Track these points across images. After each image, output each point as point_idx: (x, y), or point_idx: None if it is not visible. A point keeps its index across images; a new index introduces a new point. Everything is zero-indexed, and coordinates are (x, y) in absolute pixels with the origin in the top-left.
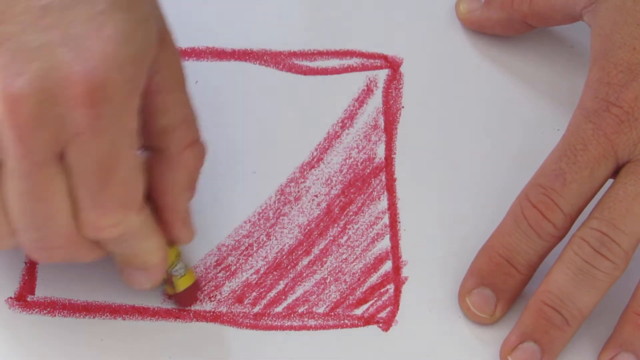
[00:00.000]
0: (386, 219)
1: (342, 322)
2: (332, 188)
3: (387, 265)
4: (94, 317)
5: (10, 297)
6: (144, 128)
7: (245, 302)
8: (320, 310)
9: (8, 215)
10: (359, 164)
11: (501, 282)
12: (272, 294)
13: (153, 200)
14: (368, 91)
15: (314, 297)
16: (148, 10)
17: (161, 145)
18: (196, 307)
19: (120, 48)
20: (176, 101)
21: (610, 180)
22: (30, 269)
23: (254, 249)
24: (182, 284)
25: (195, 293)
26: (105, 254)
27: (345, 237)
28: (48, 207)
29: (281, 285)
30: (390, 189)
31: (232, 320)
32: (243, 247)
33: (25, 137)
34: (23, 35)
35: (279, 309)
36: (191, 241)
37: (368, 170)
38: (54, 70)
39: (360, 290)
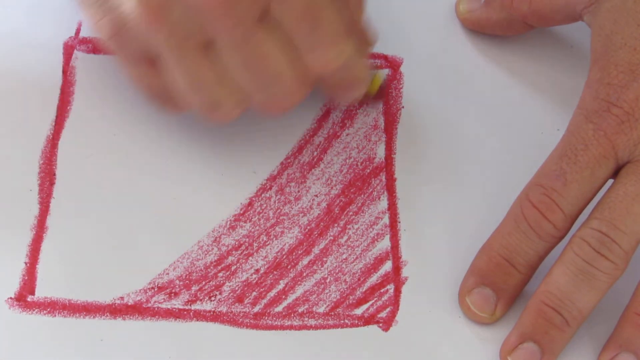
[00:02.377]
0: (386, 219)
1: (342, 322)
2: (332, 188)
3: (387, 265)
4: (94, 317)
5: (10, 297)
6: None
7: (245, 302)
8: (321, 310)
9: (233, 86)
10: (359, 164)
11: (501, 282)
12: (272, 293)
13: None
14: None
15: (314, 296)
16: None
17: None
18: (196, 306)
19: None
20: None
21: (611, 181)
22: (30, 269)
23: (254, 248)
24: (376, 82)
25: (384, 87)
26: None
27: (345, 237)
28: (273, 64)
29: (281, 285)
30: (390, 189)
31: (232, 320)
32: (243, 247)
33: (231, 9)
34: None
35: (279, 308)
36: (377, 40)
37: (368, 170)
38: None
39: (361, 290)
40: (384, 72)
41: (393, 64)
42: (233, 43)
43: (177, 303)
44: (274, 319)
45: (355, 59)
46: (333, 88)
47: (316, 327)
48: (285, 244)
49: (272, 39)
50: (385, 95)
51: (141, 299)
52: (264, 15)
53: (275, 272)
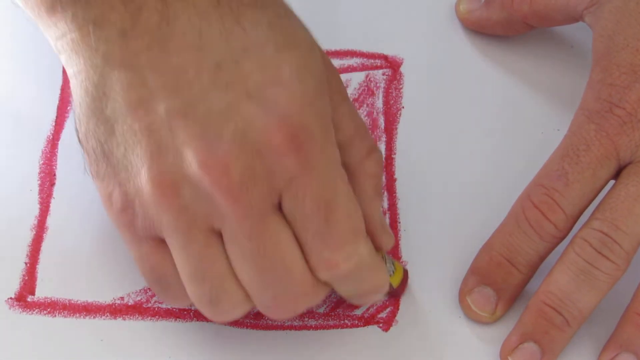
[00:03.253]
0: (386, 219)
1: (342, 322)
2: None
3: None
4: (94, 317)
5: (10, 298)
6: None
7: None
8: (321, 310)
9: (239, 281)
10: None
11: (502, 281)
12: None
13: None
14: (368, 91)
15: None
16: (309, 39)
17: (342, 160)
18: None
19: (303, 87)
20: (345, 114)
21: (611, 183)
22: (30, 269)
23: None
24: (396, 279)
25: (406, 281)
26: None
27: None
28: (282, 259)
29: None
30: (390, 189)
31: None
32: None
33: (242, 198)
34: (205, 100)
35: None
36: (393, 245)
37: None
38: (250, 127)
39: None
40: (401, 265)
41: (393, 64)
42: (241, 233)
43: None
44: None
45: (372, 265)
46: (349, 294)
47: (316, 327)
48: None
49: (284, 233)
50: (405, 288)
51: (141, 299)
52: (276, 207)
53: None
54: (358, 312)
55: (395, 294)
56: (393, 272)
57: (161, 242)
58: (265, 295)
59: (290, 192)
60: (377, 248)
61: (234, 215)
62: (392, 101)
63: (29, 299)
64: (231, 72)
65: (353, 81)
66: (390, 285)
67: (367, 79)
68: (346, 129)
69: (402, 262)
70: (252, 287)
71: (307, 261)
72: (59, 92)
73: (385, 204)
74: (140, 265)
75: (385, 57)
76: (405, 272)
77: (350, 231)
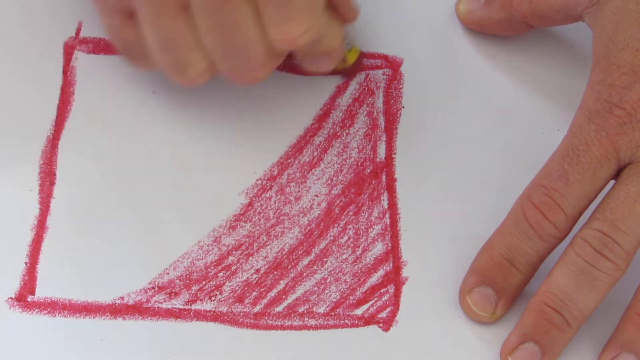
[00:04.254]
0: (386, 219)
1: (342, 322)
2: (332, 188)
3: (387, 266)
4: (94, 317)
5: (11, 297)
6: None
7: (246, 302)
8: (321, 310)
9: (204, 50)
10: (359, 164)
11: (502, 281)
12: (273, 293)
13: None
14: (368, 91)
15: (314, 297)
16: None
17: None
18: (196, 306)
19: None
20: None
21: (611, 183)
22: (31, 269)
23: (255, 248)
24: (352, 56)
25: (361, 61)
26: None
27: (345, 237)
28: (242, 32)
29: (281, 285)
30: (390, 189)
31: (232, 320)
32: (243, 247)
33: None
34: None
35: (279, 308)
36: (356, 18)
37: (368, 170)
38: None
39: (361, 290)
40: (359, 46)
41: (393, 64)
42: (208, 6)
43: (177, 303)
44: (274, 319)
45: (329, 31)
46: (303, 57)
47: (316, 327)
48: (285, 244)
49: (246, 8)
50: (357, 70)
51: (141, 299)
52: None
53: (275, 272)
54: (358, 311)
55: (348, 73)
56: (350, 48)
57: (131, 14)
58: (228, 64)
59: None
60: (342, 20)
61: None
62: (392, 101)
63: (29, 299)
64: None
65: (353, 81)
66: (345, 62)
67: (367, 79)
68: None
69: (402, 262)
70: (216, 56)
71: (267, 33)
72: (59, 92)
73: (385, 204)
74: (112, 35)
75: (385, 57)
76: (361, 54)
77: (309, 5)
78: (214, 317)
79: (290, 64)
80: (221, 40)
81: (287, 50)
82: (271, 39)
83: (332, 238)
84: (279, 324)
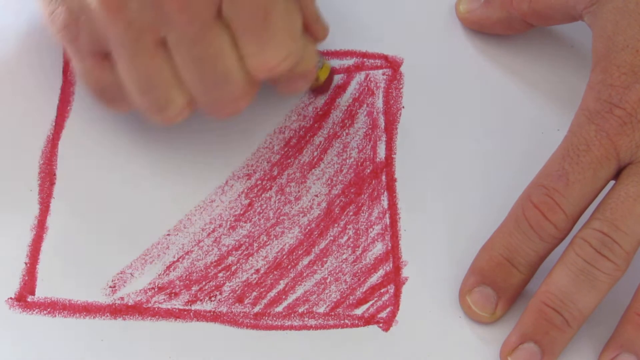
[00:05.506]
0: (386, 219)
1: (342, 322)
2: (332, 188)
3: (387, 266)
4: (94, 317)
5: (11, 298)
6: None
7: (246, 302)
8: (321, 310)
9: (183, 86)
10: (359, 164)
11: (502, 281)
12: (273, 293)
13: None
14: (368, 91)
15: (314, 297)
16: None
17: None
18: (196, 307)
19: None
20: None
21: (611, 183)
22: (31, 269)
23: (254, 248)
24: (323, 74)
25: (332, 78)
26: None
27: (345, 237)
28: (222, 64)
29: (281, 285)
30: (390, 189)
31: (232, 320)
32: (243, 247)
33: (187, 5)
34: None
35: (279, 308)
36: (327, 36)
37: (368, 170)
38: None
39: (361, 290)
40: (331, 63)
41: (393, 64)
42: (186, 39)
43: (177, 303)
44: (274, 319)
45: (305, 53)
46: (278, 81)
47: (316, 327)
48: (285, 244)
49: (224, 39)
50: (330, 87)
51: (141, 299)
52: (218, 14)
53: (275, 272)
54: (358, 311)
55: (320, 91)
56: (322, 65)
57: (105, 56)
58: (209, 97)
59: None
60: (313, 38)
61: (179, 21)
62: (392, 101)
63: (29, 299)
64: None
65: (353, 81)
66: (317, 80)
67: (367, 79)
68: None
69: (402, 262)
70: (196, 90)
71: (245, 63)
72: (59, 92)
73: (385, 204)
74: (85, 78)
75: (385, 57)
76: (333, 70)
77: (287, 31)
78: (214, 317)
79: None
80: (200, 73)
81: (267, 78)
82: (250, 69)
83: (332, 238)
84: (279, 324)
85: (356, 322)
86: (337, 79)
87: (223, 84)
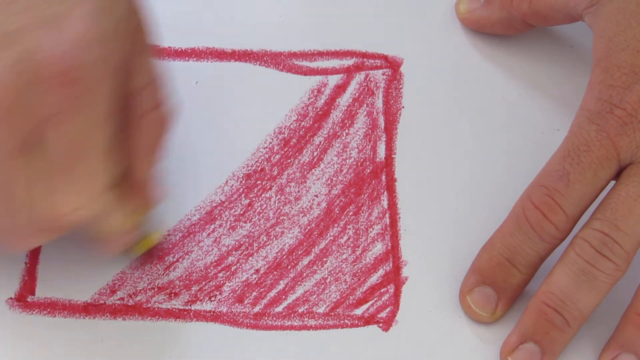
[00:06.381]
0: (386, 219)
1: (342, 322)
2: (332, 188)
3: (387, 265)
4: (94, 317)
5: (11, 298)
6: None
7: (246, 302)
8: (321, 310)
9: None
10: (359, 164)
11: (502, 281)
12: (272, 293)
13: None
14: (368, 91)
15: (314, 297)
16: None
17: (127, 109)
18: (196, 307)
19: (97, 26)
20: (143, 64)
21: (612, 184)
22: (31, 269)
23: (254, 248)
24: (143, 246)
25: (153, 254)
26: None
27: (345, 237)
28: (12, 200)
29: (281, 285)
30: (390, 189)
31: (232, 320)
32: (243, 247)
33: (4, 125)
34: None
35: (279, 308)
36: (154, 207)
37: (368, 170)
38: (31, 55)
39: (361, 290)
40: (160, 234)
41: (393, 64)
42: None
43: (177, 303)
44: (274, 319)
45: (112, 216)
46: (84, 238)
47: (316, 327)
48: (285, 244)
49: (24, 174)
50: (155, 258)
51: (141, 299)
52: (28, 145)
53: (275, 272)
54: (358, 311)
55: (142, 261)
56: (145, 236)
57: None
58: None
59: (50, 127)
60: (143, 206)
61: None
62: (392, 101)
63: (29, 299)
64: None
65: (353, 81)
66: (137, 248)
67: (367, 79)
68: (139, 79)
69: (402, 262)
70: None
71: (33, 204)
72: None
73: (385, 204)
74: None
75: (385, 57)
76: (155, 248)
77: (89, 185)
78: (214, 317)
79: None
80: None
81: (57, 227)
82: (37, 211)
83: (332, 238)
84: (279, 324)
85: (356, 322)
86: (337, 79)
87: (9, 221)
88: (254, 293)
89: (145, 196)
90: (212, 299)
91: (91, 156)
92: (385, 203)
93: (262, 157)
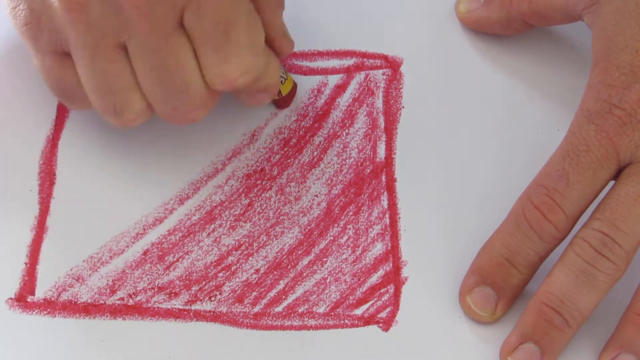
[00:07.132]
0: (386, 219)
1: (342, 322)
2: (332, 188)
3: (387, 266)
4: (94, 317)
5: (10, 298)
6: None
7: (246, 302)
8: (321, 310)
9: (141, 91)
10: (359, 164)
11: (502, 281)
12: (272, 293)
13: None
14: (368, 91)
15: (314, 297)
16: None
17: None
18: (196, 306)
19: None
20: None
21: (611, 184)
22: (31, 269)
23: (254, 248)
24: (286, 88)
25: (294, 92)
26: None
27: (345, 237)
28: (182, 73)
29: (281, 285)
30: (390, 189)
31: (232, 320)
32: (243, 247)
33: (149, 14)
34: None
35: (279, 308)
36: (291, 51)
37: (368, 170)
38: None
39: (361, 290)
40: (291, 79)
41: (393, 64)
42: (146, 48)
43: (177, 303)
44: (274, 319)
45: (267, 68)
46: (240, 94)
47: (316, 327)
48: (285, 244)
49: (185, 49)
50: (291, 101)
51: (141, 299)
52: (179, 24)
53: (275, 272)
54: (358, 311)
55: (282, 104)
56: (284, 80)
57: (65, 55)
58: (166, 106)
59: (192, 7)
60: (277, 53)
61: (140, 29)
62: (392, 101)
63: (29, 299)
64: None
65: (353, 81)
66: (280, 94)
67: (367, 79)
68: None
69: (402, 262)
70: (154, 98)
71: (204, 74)
72: None
73: (385, 204)
74: (45, 75)
75: (385, 57)
76: (295, 85)
77: (248, 45)
78: (214, 317)
79: None
80: (159, 82)
81: (226, 90)
82: (209, 81)
83: (332, 238)
84: (279, 324)
85: (356, 322)
86: (337, 79)
87: (181, 93)
88: (254, 293)
89: (282, 45)
90: (212, 299)
91: (241, 21)
92: (385, 203)
93: (262, 157)
